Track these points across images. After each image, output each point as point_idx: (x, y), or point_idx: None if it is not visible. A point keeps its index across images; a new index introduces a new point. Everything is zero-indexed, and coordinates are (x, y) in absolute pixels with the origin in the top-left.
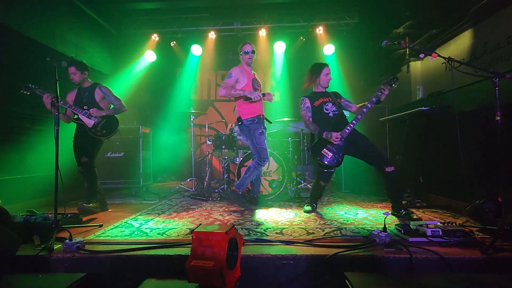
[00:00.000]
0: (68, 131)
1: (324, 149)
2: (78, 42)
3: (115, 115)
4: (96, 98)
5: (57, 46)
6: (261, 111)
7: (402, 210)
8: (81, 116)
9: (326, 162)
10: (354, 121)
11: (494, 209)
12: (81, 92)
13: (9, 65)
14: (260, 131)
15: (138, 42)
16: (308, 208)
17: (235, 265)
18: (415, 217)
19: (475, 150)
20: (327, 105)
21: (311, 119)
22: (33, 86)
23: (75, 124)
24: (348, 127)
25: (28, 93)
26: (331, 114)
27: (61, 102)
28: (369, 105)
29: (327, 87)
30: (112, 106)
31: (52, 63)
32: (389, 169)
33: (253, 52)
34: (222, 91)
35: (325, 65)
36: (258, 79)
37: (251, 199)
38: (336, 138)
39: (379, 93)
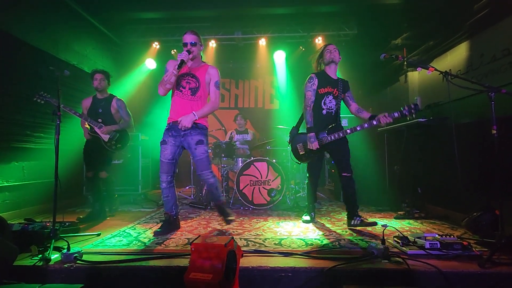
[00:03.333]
0: (68, 138)
1: (300, 144)
2: (80, 50)
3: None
4: (112, 111)
5: (60, 54)
6: (177, 115)
7: (356, 218)
8: (97, 130)
9: (295, 155)
10: (348, 130)
11: (491, 222)
12: (96, 102)
13: (12, 73)
14: (162, 140)
15: (139, 50)
16: (306, 217)
17: (233, 277)
18: (368, 221)
19: (472, 162)
20: (328, 98)
21: (312, 106)
22: (46, 95)
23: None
24: (336, 134)
25: (43, 102)
26: (324, 112)
27: (77, 114)
28: (365, 125)
29: (331, 62)
30: (121, 120)
31: (55, 72)
32: (345, 174)
33: (192, 43)
34: (159, 90)
35: (329, 44)
36: (194, 74)
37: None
38: (313, 146)
39: (381, 119)
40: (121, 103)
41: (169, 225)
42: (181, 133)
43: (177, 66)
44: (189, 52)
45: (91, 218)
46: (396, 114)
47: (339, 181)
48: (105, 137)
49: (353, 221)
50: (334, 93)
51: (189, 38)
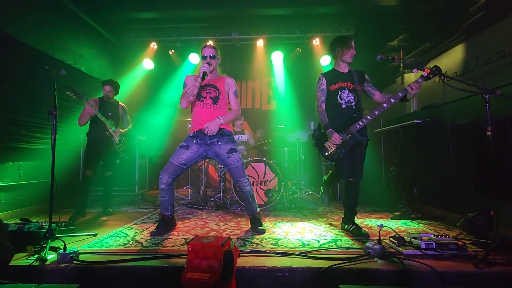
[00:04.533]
0: (64, 138)
1: (327, 142)
2: (77, 50)
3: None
4: (119, 115)
5: (56, 54)
6: (201, 123)
7: (351, 224)
8: (111, 131)
9: (325, 154)
10: (368, 117)
11: (486, 222)
12: (105, 105)
13: (7, 72)
14: (184, 144)
15: (137, 50)
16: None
17: (230, 277)
18: (362, 232)
19: (468, 163)
20: (343, 92)
21: (324, 106)
22: (78, 91)
23: (89, 131)
24: (360, 122)
25: (75, 97)
26: (343, 106)
27: (92, 107)
28: (392, 100)
29: (351, 62)
30: (121, 124)
31: (51, 72)
32: (352, 179)
33: (211, 57)
34: (182, 103)
35: (351, 38)
36: (214, 85)
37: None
38: (336, 139)
39: (408, 88)
40: (125, 109)
41: (165, 225)
42: (207, 141)
43: (200, 78)
44: (209, 64)
45: (78, 217)
46: (420, 80)
47: (344, 184)
48: (117, 139)
49: (347, 226)
50: (348, 86)
51: (208, 51)
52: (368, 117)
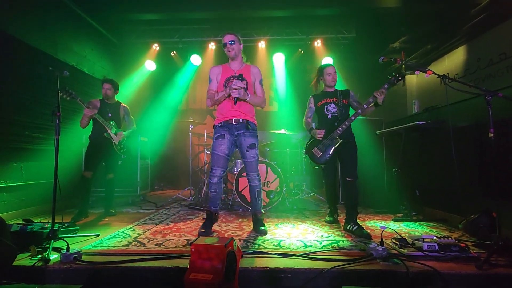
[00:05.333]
0: (67, 139)
1: (315, 148)
2: (79, 51)
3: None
4: (120, 115)
5: (59, 55)
6: (228, 115)
7: (353, 224)
8: (110, 132)
9: (314, 160)
10: (347, 122)
11: (489, 224)
12: (105, 106)
13: (10, 73)
14: (218, 134)
15: (139, 51)
16: (329, 218)
17: (233, 278)
18: (364, 232)
19: (470, 165)
20: (329, 106)
21: (309, 119)
22: (72, 91)
23: (91, 132)
24: (340, 128)
25: (68, 98)
26: (329, 116)
27: (95, 115)
28: (364, 106)
29: (333, 85)
30: (124, 125)
31: (54, 73)
32: (349, 179)
33: (231, 43)
34: (208, 102)
35: (329, 65)
36: (242, 76)
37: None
38: (319, 135)
39: (375, 95)
40: (127, 110)
41: (211, 223)
42: (234, 132)
43: (233, 100)
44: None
45: (80, 217)
46: (386, 86)
47: (343, 185)
48: (116, 140)
49: (349, 226)
50: (334, 101)
51: (227, 38)
52: (347, 122)
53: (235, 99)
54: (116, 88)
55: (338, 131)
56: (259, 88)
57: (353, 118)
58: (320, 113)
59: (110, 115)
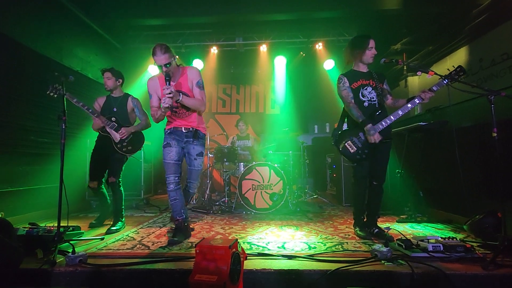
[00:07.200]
0: (73, 144)
1: (349, 142)
2: (84, 57)
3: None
4: (128, 110)
5: (64, 60)
6: (178, 123)
7: (374, 228)
8: (108, 129)
9: (346, 154)
10: (392, 117)
11: (494, 224)
12: (111, 100)
13: (16, 78)
14: (165, 143)
15: (142, 56)
16: (362, 233)
17: (238, 279)
18: (387, 235)
19: (474, 165)
20: (366, 89)
21: (353, 101)
22: (60, 87)
23: (96, 135)
24: (383, 122)
25: (55, 96)
26: (366, 104)
27: (90, 110)
28: (417, 101)
29: (371, 62)
30: (138, 120)
31: (60, 78)
32: (376, 183)
33: (166, 66)
34: (153, 119)
35: (370, 37)
36: (168, 75)
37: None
38: (377, 138)
39: (420, 96)
40: (137, 102)
41: (183, 232)
42: (184, 139)
43: (163, 109)
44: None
45: (102, 222)
46: (435, 88)
47: (370, 189)
48: (117, 138)
49: (372, 229)
50: (371, 84)
51: (159, 60)
52: (392, 117)
53: (171, 107)
54: (117, 76)
55: (380, 125)
56: (197, 92)
57: (400, 113)
58: (354, 98)
59: (115, 109)
